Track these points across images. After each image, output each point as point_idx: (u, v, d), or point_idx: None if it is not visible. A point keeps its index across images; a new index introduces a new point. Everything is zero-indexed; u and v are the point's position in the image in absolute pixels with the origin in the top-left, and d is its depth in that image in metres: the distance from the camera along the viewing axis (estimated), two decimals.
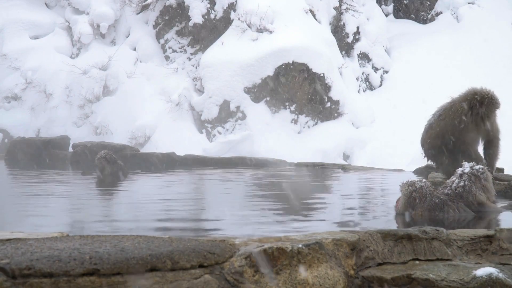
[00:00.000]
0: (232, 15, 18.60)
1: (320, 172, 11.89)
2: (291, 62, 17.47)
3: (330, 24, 20.02)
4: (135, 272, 2.85)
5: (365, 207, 6.84)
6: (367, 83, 21.43)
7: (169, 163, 12.69)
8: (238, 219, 5.71)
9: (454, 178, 5.73)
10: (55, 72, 18.65)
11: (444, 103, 7.85)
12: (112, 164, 10.35)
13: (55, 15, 20.53)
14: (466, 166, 5.78)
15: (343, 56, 20.32)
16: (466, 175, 5.66)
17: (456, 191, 5.59)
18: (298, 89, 17.79)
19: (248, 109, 17.49)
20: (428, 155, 7.97)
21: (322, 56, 17.83)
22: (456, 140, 7.53)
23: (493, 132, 7.61)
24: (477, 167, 5.78)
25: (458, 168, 5.84)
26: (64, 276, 2.74)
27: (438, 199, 5.45)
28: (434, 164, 8.12)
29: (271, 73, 17.46)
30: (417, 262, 3.59)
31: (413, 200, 5.46)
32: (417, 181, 5.60)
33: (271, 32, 17.97)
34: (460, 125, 7.48)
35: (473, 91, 7.53)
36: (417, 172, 9.88)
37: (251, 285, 3.08)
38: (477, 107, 7.43)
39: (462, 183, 5.61)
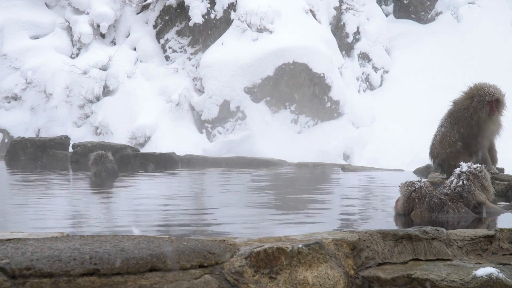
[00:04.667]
0: (232, 15, 18.60)
1: (320, 172, 11.89)
2: (291, 62, 17.47)
3: (330, 24, 20.01)
4: (135, 272, 2.85)
5: (365, 207, 6.85)
6: (367, 83, 21.42)
7: (169, 163, 12.69)
8: (238, 219, 5.71)
9: (452, 178, 5.72)
10: (55, 72, 18.64)
11: (450, 109, 7.67)
12: (97, 165, 10.37)
13: (55, 15, 20.52)
14: (464, 166, 5.77)
15: (343, 56, 20.31)
16: (464, 174, 5.65)
17: (456, 190, 5.59)
18: (298, 89, 17.79)
19: (248, 109, 17.49)
20: (443, 166, 7.55)
21: (322, 56, 17.83)
22: (473, 141, 7.40)
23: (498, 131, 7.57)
24: (475, 166, 5.77)
25: (456, 168, 5.84)
26: (64, 276, 2.74)
27: (438, 199, 5.44)
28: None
29: (271, 73, 17.46)
30: (417, 262, 3.59)
31: (412, 200, 5.45)
32: (417, 181, 5.59)
33: (271, 32, 17.97)
34: (477, 122, 7.32)
35: (481, 87, 7.42)
36: (417, 172, 9.88)
37: (251, 285, 3.07)
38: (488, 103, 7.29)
39: (461, 183, 5.61)
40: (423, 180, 5.70)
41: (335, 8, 20.34)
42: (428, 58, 21.74)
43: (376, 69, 21.70)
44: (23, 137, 14.49)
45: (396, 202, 5.65)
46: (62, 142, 13.90)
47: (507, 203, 6.20)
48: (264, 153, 15.69)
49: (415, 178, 5.84)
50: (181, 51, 19.44)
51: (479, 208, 5.56)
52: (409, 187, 5.49)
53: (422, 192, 5.44)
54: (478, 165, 5.82)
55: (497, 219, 5.42)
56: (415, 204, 5.44)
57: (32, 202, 7.22)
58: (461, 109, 7.44)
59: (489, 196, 5.70)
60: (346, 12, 21.10)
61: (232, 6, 18.79)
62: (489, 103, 7.30)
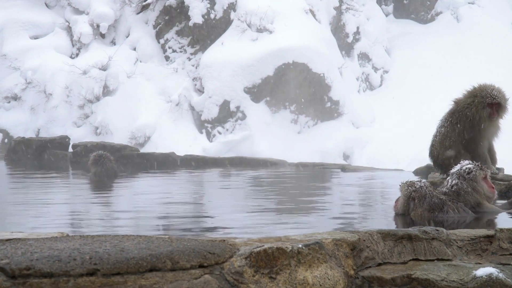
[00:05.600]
0: (232, 15, 18.60)
1: (320, 172, 11.89)
2: (291, 62, 17.47)
3: (330, 24, 20.01)
4: (135, 272, 2.85)
5: (365, 207, 6.85)
6: (367, 83, 21.42)
7: (169, 163, 12.69)
8: (238, 219, 5.71)
9: (448, 178, 5.75)
10: (55, 72, 18.64)
11: (451, 108, 7.65)
12: (96, 165, 10.38)
13: (55, 15, 20.52)
14: (457, 166, 5.78)
15: (343, 56, 20.31)
16: (455, 175, 5.66)
17: (453, 189, 5.59)
18: (298, 89, 17.78)
19: (248, 109, 17.49)
20: (443, 166, 7.48)
21: (322, 56, 17.83)
22: (473, 141, 7.39)
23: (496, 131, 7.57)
24: (465, 167, 5.72)
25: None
26: (64, 276, 2.74)
27: (438, 199, 5.44)
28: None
29: (271, 73, 17.45)
30: (417, 262, 3.59)
31: (412, 200, 5.45)
32: (417, 181, 5.59)
33: (271, 32, 17.97)
34: (478, 123, 7.30)
35: (484, 88, 7.40)
36: (417, 172, 9.87)
37: (251, 285, 3.07)
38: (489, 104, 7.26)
39: (453, 182, 5.62)
40: (423, 180, 5.69)
41: (335, 8, 20.34)
42: (428, 58, 21.74)
43: (376, 69, 21.70)
44: (23, 137, 14.50)
45: (396, 202, 5.65)
46: (62, 142, 13.91)
47: (506, 204, 6.19)
48: (264, 153, 15.70)
49: (415, 178, 5.84)
50: (181, 51, 19.43)
51: (478, 208, 5.56)
52: (409, 187, 5.49)
53: (422, 192, 5.44)
54: (469, 166, 5.73)
55: (497, 219, 5.42)
56: (415, 204, 5.43)
57: (32, 202, 7.22)
58: (463, 108, 7.42)
59: (482, 197, 5.66)
60: (346, 12, 21.10)
61: (232, 6, 18.78)
62: (489, 105, 7.29)
